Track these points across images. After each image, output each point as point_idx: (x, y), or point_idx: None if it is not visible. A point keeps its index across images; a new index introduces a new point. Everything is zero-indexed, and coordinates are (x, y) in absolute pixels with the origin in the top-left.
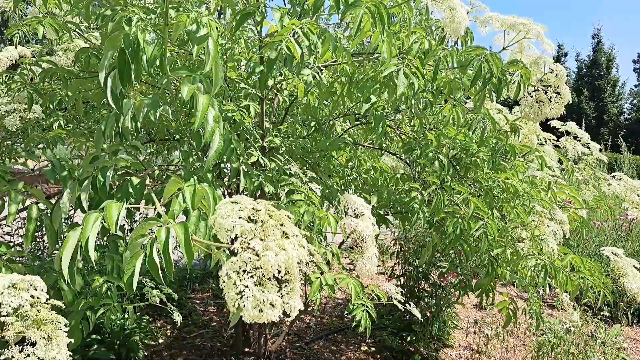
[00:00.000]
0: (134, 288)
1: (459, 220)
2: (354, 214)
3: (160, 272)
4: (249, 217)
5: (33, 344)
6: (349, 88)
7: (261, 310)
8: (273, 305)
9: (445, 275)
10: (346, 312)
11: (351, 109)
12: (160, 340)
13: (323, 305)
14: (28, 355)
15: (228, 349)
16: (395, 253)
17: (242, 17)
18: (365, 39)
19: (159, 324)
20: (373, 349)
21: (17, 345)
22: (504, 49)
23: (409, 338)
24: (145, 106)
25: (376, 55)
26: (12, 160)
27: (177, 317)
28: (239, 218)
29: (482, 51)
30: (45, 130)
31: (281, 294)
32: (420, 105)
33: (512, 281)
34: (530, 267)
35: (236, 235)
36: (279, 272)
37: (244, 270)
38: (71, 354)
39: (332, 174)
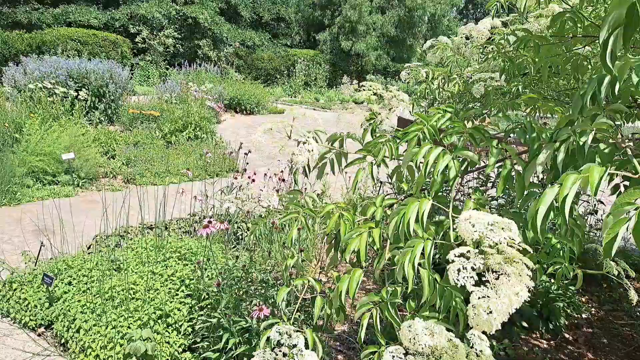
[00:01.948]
0: (612, 254)
1: None
2: None
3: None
4: None
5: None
6: None
7: None
8: None
9: None
10: None
11: None
12: (583, 315)
13: None
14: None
15: None
16: None
17: None
18: None
19: (583, 299)
20: None
21: (494, 273)
22: None
23: None
24: (632, 68)
25: None
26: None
27: (633, 296)
28: None
29: None
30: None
31: None
32: None
33: None
34: None
35: None
36: None
37: None
38: None
39: None
